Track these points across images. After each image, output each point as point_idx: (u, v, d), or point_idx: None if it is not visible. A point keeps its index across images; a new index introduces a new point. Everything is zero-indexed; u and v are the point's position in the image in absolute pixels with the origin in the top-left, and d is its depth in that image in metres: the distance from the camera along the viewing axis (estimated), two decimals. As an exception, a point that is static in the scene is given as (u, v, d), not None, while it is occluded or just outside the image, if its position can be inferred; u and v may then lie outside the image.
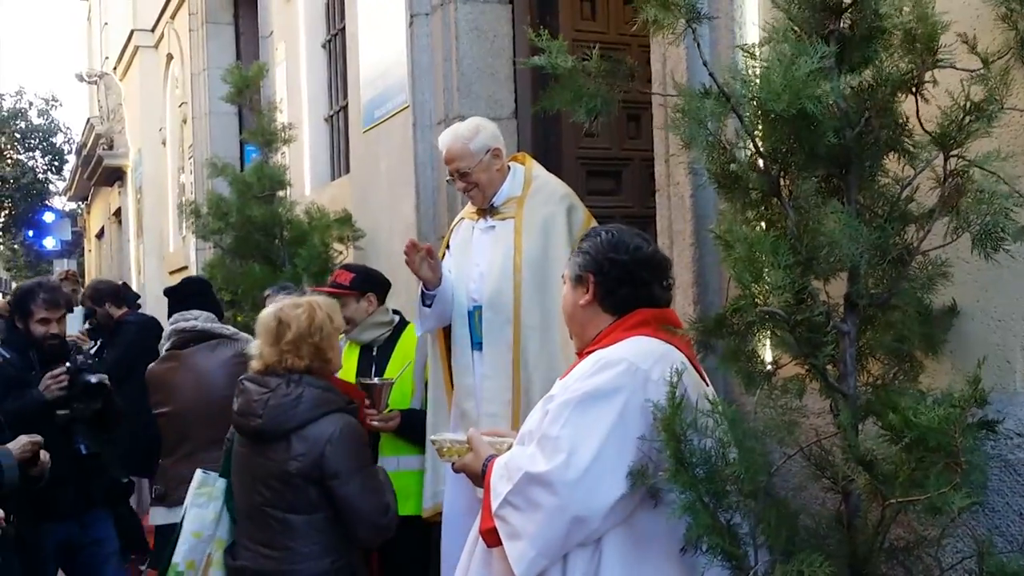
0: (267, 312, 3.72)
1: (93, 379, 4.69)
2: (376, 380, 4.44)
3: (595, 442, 2.57)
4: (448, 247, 4.56)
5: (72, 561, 4.96)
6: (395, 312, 4.92)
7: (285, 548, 3.52)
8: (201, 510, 3.85)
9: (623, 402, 2.59)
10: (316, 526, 3.51)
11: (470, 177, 4.28)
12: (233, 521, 3.82)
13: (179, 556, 3.82)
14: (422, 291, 4.28)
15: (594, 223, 4.25)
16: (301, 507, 3.51)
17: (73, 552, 4.91)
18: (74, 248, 33.96)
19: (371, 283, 4.87)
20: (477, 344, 4.31)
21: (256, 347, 3.69)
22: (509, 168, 4.37)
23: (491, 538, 2.70)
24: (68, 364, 4.70)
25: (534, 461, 2.63)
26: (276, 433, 3.51)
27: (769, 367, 2.56)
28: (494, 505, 2.68)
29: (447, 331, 4.48)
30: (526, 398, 4.06)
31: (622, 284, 2.83)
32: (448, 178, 4.48)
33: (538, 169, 4.45)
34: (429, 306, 4.27)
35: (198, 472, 4.00)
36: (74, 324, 5.57)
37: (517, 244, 4.19)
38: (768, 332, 2.47)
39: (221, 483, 3.85)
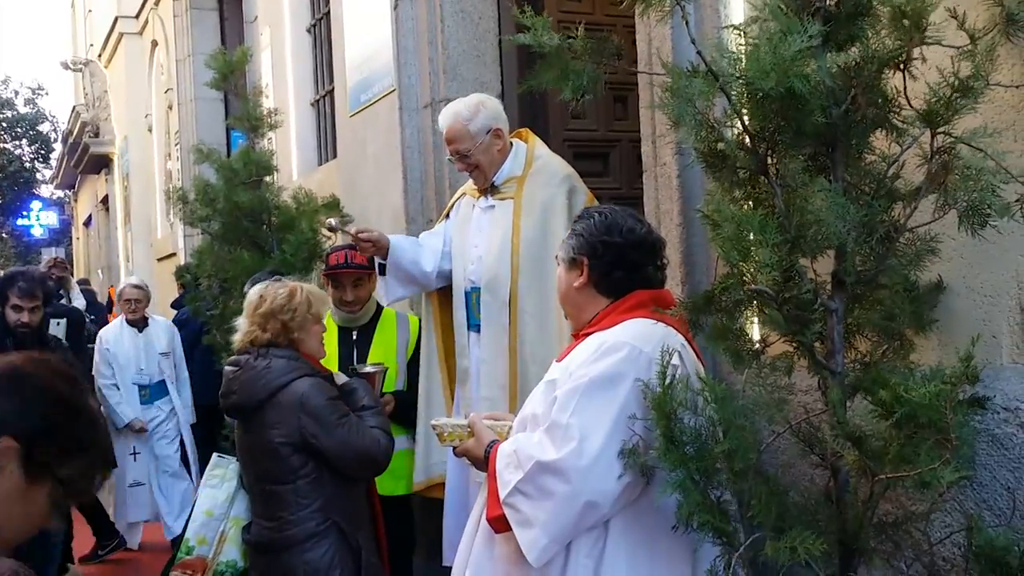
0: (253, 290, 3.90)
1: None
2: (370, 367, 4.46)
3: (605, 428, 2.58)
4: (448, 216, 4.54)
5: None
6: None
7: (276, 518, 3.70)
8: (213, 490, 4.06)
9: (629, 387, 2.60)
10: (299, 493, 3.67)
11: (470, 159, 4.22)
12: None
13: (190, 533, 4.05)
14: (378, 261, 4.40)
15: (596, 204, 4.23)
16: (284, 477, 3.67)
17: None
18: (62, 236, 33.91)
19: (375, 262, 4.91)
20: (475, 326, 4.29)
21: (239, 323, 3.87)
22: (512, 145, 4.33)
23: (499, 525, 2.69)
24: None
25: (544, 449, 2.63)
26: (251, 405, 3.68)
27: (758, 345, 2.57)
28: (502, 493, 2.67)
29: (443, 313, 4.48)
30: (523, 382, 4.04)
31: (616, 267, 2.84)
32: (449, 158, 4.43)
33: (541, 148, 4.38)
34: (383, 274, 4.42)
35: (214, 456, 4.25)
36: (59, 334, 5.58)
37: (516, 226, 4.14)
38: (756, 310, 2.47)
39: (235, 465, 4.03)
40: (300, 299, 3.76)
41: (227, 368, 3.82)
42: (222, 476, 4.08)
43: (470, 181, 4.45)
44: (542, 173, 4.24)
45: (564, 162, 4.42)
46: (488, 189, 4.29)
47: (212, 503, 4.04)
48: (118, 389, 7.35)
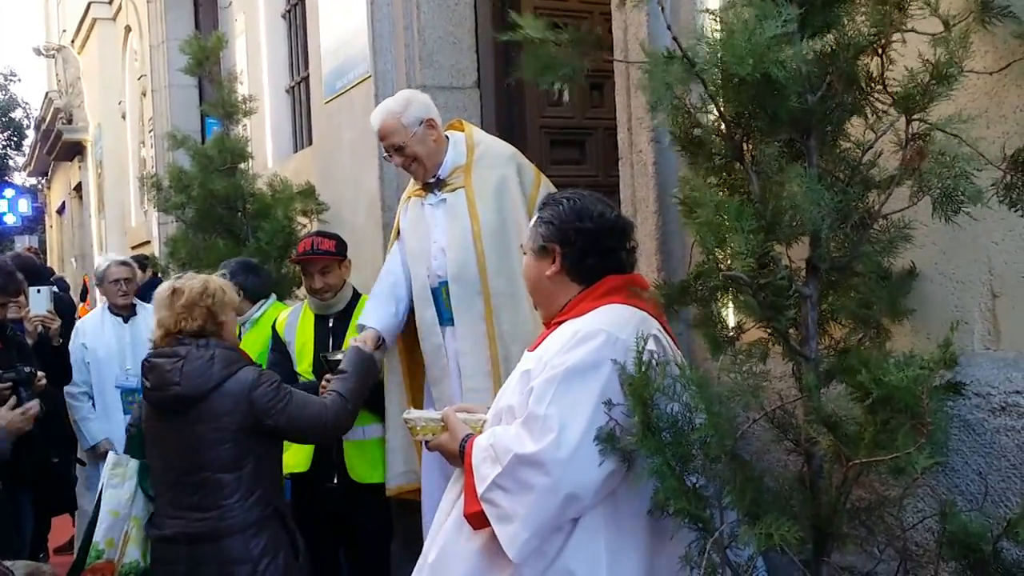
0: (162, 286, 3.88)
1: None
2: (339, 355, 4.43)
3: (583, 418, 2.54)
4: (399, 233, 4.50)
5: None
6: None
7: (217, 507, 3.66)
8: (116, 490, 4.01)
9: (606, 375, 2.56)
10: (245, 479, 3.67)
11: (406, 151, 4.21)
12: (148, 498, 3.97)
13: (99, 535, 4.02)
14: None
15: (544, 179, 4.24)
16: (230, 464, 3.66)
17: None
18: (36, 224, 33.62)
19: (346, 249, 4.88)
20: (448, 320, 4.27)
21: (154, 322, 3.83)
22: (448, 138, 4.32)
23: (477, 521, 2.64)
24: (16, 373, 4.64)
25: (522, 442, 2.58)
26: (196, 395, 3.65)
27: (733, 332, 2.57)
28: (480, 488, 2.62)
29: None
30: (505, 366, 4.03)
31: (589, 253, 2.80)
32: (385, 155, 4.41)
33: (479, 134, 4.39)
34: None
35: (111, 455, 4.20)
36: (42, 303, 5.35)
37: (473, 213, 4.15)
38: (731, 297, 2.48)
39: (134, 463, 3.99)
40: (214, 286, 3.80)
41: (160, 361, 3.71)
42: (122, 475, 4.02)
43: (412, 184, 4.43)
44: (487, 156, 4.25)
45: (504, 143, 4.45)
46: (435, 184, 4.28)
47: (117, 503, 3.98)
48: (89, 398, 6.18)
